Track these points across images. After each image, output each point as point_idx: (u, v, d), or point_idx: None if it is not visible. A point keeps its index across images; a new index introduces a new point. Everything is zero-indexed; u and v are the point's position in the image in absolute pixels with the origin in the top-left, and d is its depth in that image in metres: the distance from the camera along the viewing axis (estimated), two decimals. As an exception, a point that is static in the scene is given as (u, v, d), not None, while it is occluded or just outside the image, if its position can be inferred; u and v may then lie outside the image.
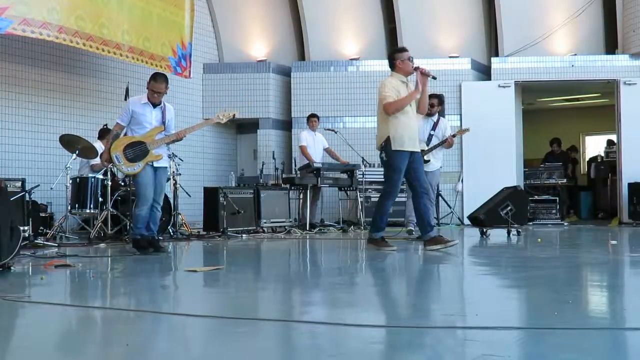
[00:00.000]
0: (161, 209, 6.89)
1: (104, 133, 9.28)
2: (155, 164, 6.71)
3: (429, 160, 8.31)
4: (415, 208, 6.79)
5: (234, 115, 7.12)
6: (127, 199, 8.23)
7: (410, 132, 6.61)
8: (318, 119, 10.83)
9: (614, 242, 7.85)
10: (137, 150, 6.65)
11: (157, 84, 6.68)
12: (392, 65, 6.74)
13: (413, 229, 8.48)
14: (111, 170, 8.33)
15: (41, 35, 8.52)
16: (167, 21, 10.53)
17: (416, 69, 6.64)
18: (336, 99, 12.42)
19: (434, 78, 6.73)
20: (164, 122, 6.77)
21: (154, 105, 6.73)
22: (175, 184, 8.91)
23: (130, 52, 9.79)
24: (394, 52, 6.83)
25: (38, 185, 7.61)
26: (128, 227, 8.12)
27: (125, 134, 6.82)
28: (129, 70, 10.79)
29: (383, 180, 7.07)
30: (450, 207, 11.75)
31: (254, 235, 9.38)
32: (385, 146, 6.55)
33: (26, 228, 6.91)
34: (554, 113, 16.71)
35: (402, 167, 6.56)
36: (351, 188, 10.84)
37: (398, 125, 6.54)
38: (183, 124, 11.74)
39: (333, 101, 12.41)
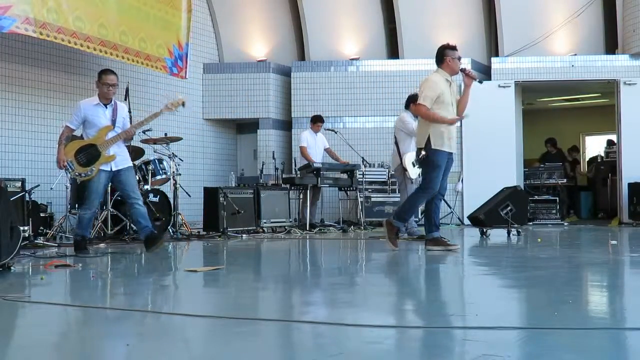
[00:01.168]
0: (142, 202, 6.70)
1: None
2: (115, 167, 6.51)
3: None
4: (427, 207, 6.72)
5: (184, 102, 6.72)
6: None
7: (449, 133, 6.56)
8: (323, 123, 10.76)
9: (614, 242, 7.86)
10: (89, 154, 6.45)
11: (108, 76, 6.49)
12: (441, 61, 6.62)
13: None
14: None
15: (41, 35, 8.54)
16: (164, 22, 10.50)
17: (462, 70, 6.61)
18: (336, 99, 12.42)
19: (480, 82, 6.71)
20: (113, 121, 6.51)
21: (106, 106, 6.53)
22: (175, 184, 8.91)
23: (125, 52, 9.79)
24: (445, 49, 6.67)
25: (38, 185, 7.62)
26: (128, 227, 8.13)
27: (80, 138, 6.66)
28: (128, 70, 10.78)
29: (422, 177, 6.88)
30: (450, 207, 11.74)
31: (254, 235, 9.38)
32: (426, 146, 6.47)
33: (26, 228, 6.92)
34: (554, 113, 16.71)
35: (442, 165, 6.52)
36: (351, 188, 10.84)
37: (440, 125, 6.49)
38: (183, 123, 11.80)
39: (333, 101, 12.41)
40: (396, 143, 8.90)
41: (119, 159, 6.54)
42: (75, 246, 6.47)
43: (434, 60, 6.77)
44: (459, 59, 6.63)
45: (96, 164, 6.44)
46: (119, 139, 6.52)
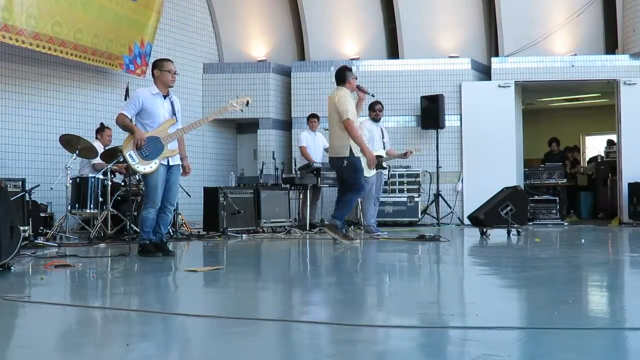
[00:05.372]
0: (173, 211, 6.41)
1: (100, 131, 9.29)
2: (172, 162, 6.24)
3: (386, 167, 9.71)
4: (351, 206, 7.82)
5: (248, 101, 6.56)
6: (127, 199, 8.23)
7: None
8: (318, 120, 10.83)
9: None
10: (152, 147, 6.09)
11: (170, 63, 6.28)
12: (343, 81, 7.68)
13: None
14: (111, 171, 8.32)
15: (17, 42, 8.64)
16: (131, 21, 10.32)
17: (357, 87, 7.85)
18: (336, 99, 12.40)
19: (373, 95, 8.23)
20: (174, 114, 6.28)
21: (164, 97, 6.26)
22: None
23: (92, 54, 9.81)
24: (345, 71, 7.78)
25: (38, 185, 7.61)
26: (128, 227, 8.12)
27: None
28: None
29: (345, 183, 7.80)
30: (450, 207, 11.74)
31: (254, 235, 9.38)
32: (350, 154, 7.49)
33: (26, 228, 6.91)
34: (554, 113, 16.71)
35: (361, 169, 7.71)
36: (351, 188, 10.82)
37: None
38: (183, 123, 11.79)
39: (333, 101, 12.38)
40: None
41: (176, 154, 6.33)
42: (141, 251, 6.17)
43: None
44: (355, 78, 7.84)
45: (159, 157, 6.11)
46: (182, 133, 6.32)
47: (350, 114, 7.45)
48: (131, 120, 6.22)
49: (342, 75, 7.71)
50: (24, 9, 8.55)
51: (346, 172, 7.59)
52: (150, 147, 6.11)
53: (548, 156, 13.94)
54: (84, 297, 4.16)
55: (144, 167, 6.10)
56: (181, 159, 6.41)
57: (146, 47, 10.71)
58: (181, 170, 6.44)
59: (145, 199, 6.31)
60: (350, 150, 7.48)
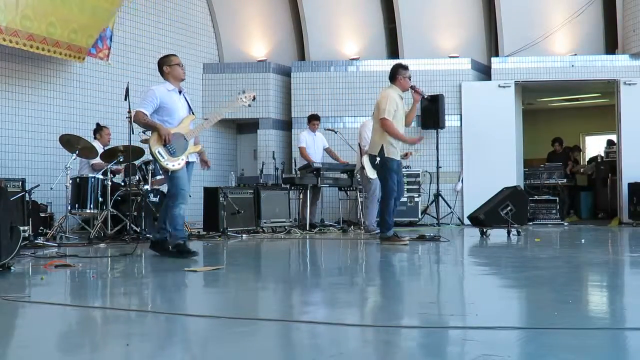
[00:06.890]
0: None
1: (97, 131, 9.28)
2: (192, 158, 6.26)
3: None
4: (388, 209, 7.48)
5: (254, 97, 6.56)
6: (127, 199, 8.23)
7: (397, 143, 7.52)
8: (319, 121, 10.82)
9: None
10: (177, 144, 6.06)
11: (177, 57, 6.26)
12: (394, 79, 7.51)
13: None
14: (111, 171, 8.32)
15: (11, 43, 8.63)
16: (108, 13, 10.23)
17: (412, 87, 7.53)
18: (336, 99, 12.42)
19: (427, 98, 7.91)
20: (190, 109, 6.27)
21: (179, 92, 6.21)
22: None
23: (78, 51, 9.73)
24: (398, 68, 7.56)
25: (38, 185, 7.61)
26: (128, 227, 8.12)
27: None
28: (128, 70, 10.80)
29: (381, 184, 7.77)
30: (450, 207, 11.74)
31: (254, 235, 9.38)
32: (380, 153, 7.39)
33: (26, 228, 6.91)
34: (554, 113, 16.71)
35: (395, 170, 7.50)
36: (351, 188, 10.84)
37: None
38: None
39: (333, 101, 12.41)
40: (359, 144, 9.63)
41: (198, 150, 6.35)
42: (180, 250, 6.03)
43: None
44: (409, 77, 7.55)
45: (185, 154, 6.10)
46: (202, 128, 6.41)
47: (387, 113, 7.33)
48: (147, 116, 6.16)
49: (393, 73, 7.57)
50: (19, 11, 8.55)
51: (378, 171, 7.62)
52: (176, 144, 6.07)
53: (551, 156, 13.94)
54: (84, 298, 4.16)
55: (172, 164, 6.05)
56: (199, 153, 6.43)
57: (106, 31, 10.48)
58: (194, 167, 6.44)
59: (174, 196, 6.15)
60: (382, 148, 7.40)
